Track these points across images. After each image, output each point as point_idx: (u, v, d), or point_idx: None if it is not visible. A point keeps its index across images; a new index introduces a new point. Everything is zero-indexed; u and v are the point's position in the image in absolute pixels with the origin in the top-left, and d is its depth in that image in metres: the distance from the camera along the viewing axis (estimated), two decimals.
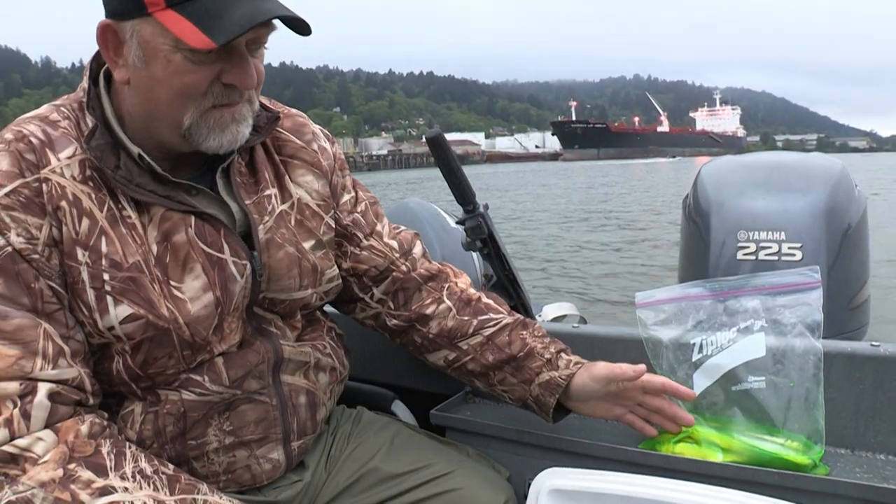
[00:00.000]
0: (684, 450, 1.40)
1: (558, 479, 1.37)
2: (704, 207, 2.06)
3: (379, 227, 1.55)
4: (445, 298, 1.53)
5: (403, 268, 1.54)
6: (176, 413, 1.26)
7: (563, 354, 1.46)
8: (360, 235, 1.51)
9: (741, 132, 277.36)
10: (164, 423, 1.26)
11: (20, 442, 1.06)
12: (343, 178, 1.51)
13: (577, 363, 1.44)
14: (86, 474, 1.07)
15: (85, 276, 1.16)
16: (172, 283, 1.21)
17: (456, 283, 1.56)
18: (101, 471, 1.09)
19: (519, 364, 1.46)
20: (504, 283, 1.89)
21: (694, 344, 1.42)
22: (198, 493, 1.14)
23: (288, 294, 1.36)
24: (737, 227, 1.96)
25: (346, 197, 1.51)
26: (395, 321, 1.54)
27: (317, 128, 1.51)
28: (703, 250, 2.02)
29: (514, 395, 1.48)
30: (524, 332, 1.48)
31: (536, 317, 2.01)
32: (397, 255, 1.54)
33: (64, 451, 1.08)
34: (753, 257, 1.93)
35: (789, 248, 1.90)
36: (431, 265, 1.58)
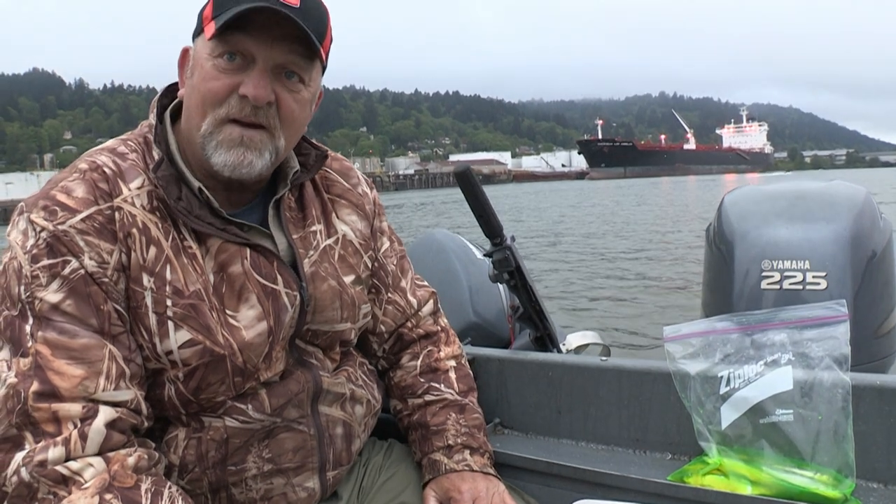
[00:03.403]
0: (713, 482, 1.40)
1: None
2: (728, 237, 2.07)
3: (403, 283, 1.63)
4: (420, 358, 1.62)
5: (409, 324, 1.63)
6: (219, 439, 1.30)
7: (466, 450, 1.51)
8: (391, 285, 1.60)
9: (768, 148, 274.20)
10: (206, 449, 1.30)
11: (73, 465, 1.11)
12: (381, 223, 1.60)
13: (465, 465, 1.49)
14: None
15: (148, 300, 1.22)
16: (228, 311, 1.27)
17: (438, 350, 1.63)
18: None
19: (427, 435, 1.55)
20: (530, 314, 1.92)
21: (721, 377, 1.44)
22: None
23: (330, 326, 1.42)
24: (761, 257, 1.97)
25: (385, 243, 1.60)
26: (382, 363, 1.64)
27: (360, 173, 1.59)
28: (727, 279, 2.03)
29: (416, 457, 1.58)
30: (453, 414, 1.56)
31: (560, 346, 2.02)
32: (412, 312, 1.63)
33: (105, 479, 1.11)
34: (778, 286, 1.94)
35: (814, 276, 1.91)
36: (433, 326, 1.66)
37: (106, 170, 1.25)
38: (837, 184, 2.26)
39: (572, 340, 2.35)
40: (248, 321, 1.29)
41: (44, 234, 1.17)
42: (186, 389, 1.27)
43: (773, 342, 1.43)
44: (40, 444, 1.10)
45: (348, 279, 1.46)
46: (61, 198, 1.20)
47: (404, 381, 1.61)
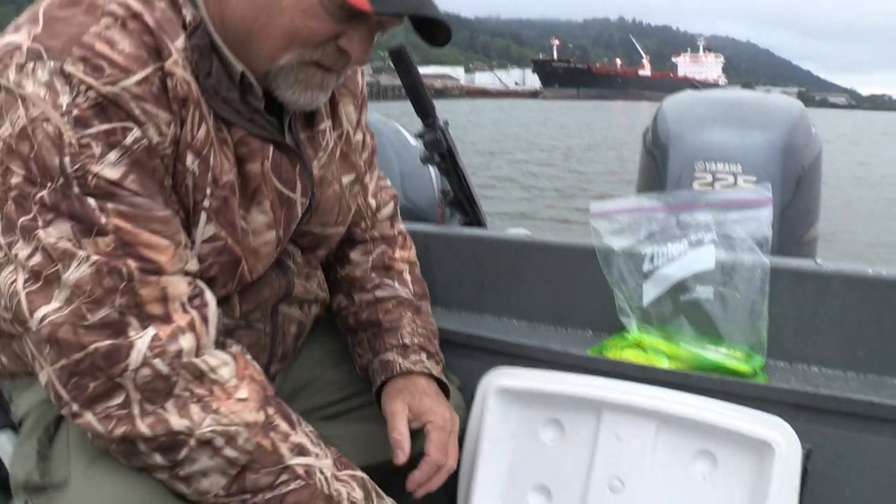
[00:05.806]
0: (632, 356, 1.43)
1: (506, 379, 1.40)
2: (664, 139, 2.08)
3: (367, 180, 1.44)
4: (373, 254, 1.46)
5: (364, 225, 1.46)
6: None
7: (422, 352, 1.37)
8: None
9: (723, 81, 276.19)
10: None
11: (211, 360, 1.01)
12: (364, 114, 1.42)
13: (424, 367, 1.35)
14: (283, 425, 1.04)
15: (189, 182, 1.05)
16: (241, 211, 1.13)
17: (393, 252, 1.48)
18: (291, 424, 1.06)
19: (379, 333, 1.39)
20: (460, 198, 1.92)
21: (645, 255, 1.45)
22: (356, 471, 1.13)
23: (322, 229, 1.30)
24: (694, 158, 1.98)
25: (366, 138, 1.43)
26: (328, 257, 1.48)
27: None
28: (659, 183, 2.04)
29: (362, 360, 1.41)
30: (408, 312, 1.41)
31: None
32: (369, 213, 1.46)
33: (258, 391, 1.04)
34: (710, 188, 1.96)
35: (745, 180, 1.93)
36: (390, 230, 1.50)
37: (147, 19, 0.98)
38: (775, 96, 2.31)
39: None
40: (257, 226, 1.14)
41: (91, 94, 0.93)
42: None
43: (698, 222, 1.45)
44: (167, 330, 0.97)
45: (347, 179, 1.31)
46: (104, 50, 0.94)
47: (352, 273, 1.44)
